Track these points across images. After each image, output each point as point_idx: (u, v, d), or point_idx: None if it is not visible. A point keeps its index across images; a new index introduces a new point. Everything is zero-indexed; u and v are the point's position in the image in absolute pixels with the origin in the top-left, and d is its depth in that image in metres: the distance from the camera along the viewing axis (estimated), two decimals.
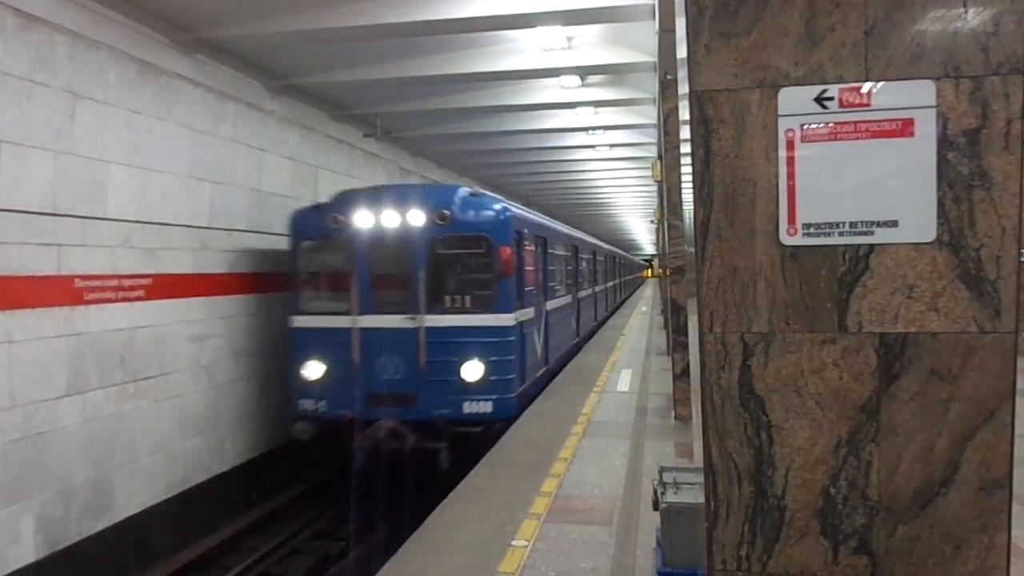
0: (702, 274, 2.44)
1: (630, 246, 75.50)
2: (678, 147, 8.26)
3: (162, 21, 8.71)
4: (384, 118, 13.70)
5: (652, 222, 42.12)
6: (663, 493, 3.71)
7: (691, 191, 2.65)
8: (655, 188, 22.21)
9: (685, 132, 2.88)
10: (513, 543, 4.67)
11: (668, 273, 8.54)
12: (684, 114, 2.86)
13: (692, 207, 2.53)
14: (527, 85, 13.06)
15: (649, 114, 14.10)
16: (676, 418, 8.29)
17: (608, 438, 7.54)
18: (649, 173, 19.72)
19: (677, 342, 8.43)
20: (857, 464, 2.33)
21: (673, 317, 8.46)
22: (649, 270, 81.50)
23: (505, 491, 5.77)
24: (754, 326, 2.39)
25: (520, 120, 15.77)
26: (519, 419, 8.60)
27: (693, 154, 2.45)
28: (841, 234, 2.34)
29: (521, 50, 10.89)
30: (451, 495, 5.75)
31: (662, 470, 3.92)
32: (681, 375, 8.28)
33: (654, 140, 15.38)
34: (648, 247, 75.49)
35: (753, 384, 2.39)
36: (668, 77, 8.34)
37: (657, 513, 4.17)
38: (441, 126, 15.74)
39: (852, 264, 2.33)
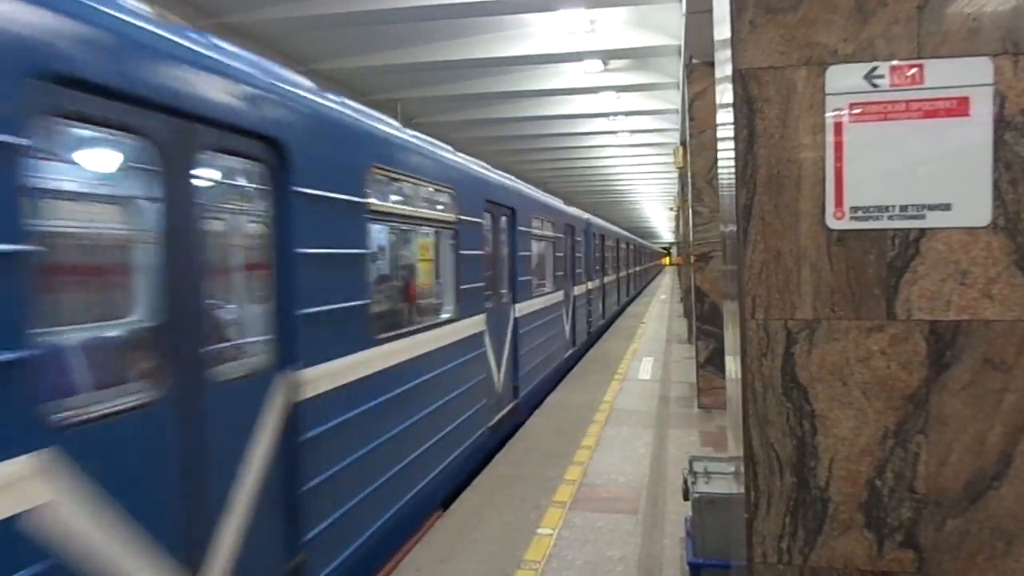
0: (744, 259, 2.37)
1: (648, 233, 75.10)
2: (704, 132, 8.13)
3: (185, 5, 8.70)
4: (405, 104, 13.66)
5: (671, 209, 41.83)
6: (694, 483, 3.65)
7: (730, 174, 2.57)
8: (675, 175, 22.02)
9: (723, 115, 2.79)
10: (539, 531, 4.64)
11: (693, 260, 8.43)
12: (723, 96, 2.77)
13: (733, 190, 2.45)
14: (549, 70, 12.95)
15: (672, 99, 13.93)
16: (699, 407, 8.21)
17: (631, 426, 7.48)
18: (670, 160, 19.55)
19: (701, 330, 8.33)
20: (904, 456, 2.26)
21: (697, 305, 8.35)
22: (667, 258, 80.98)
23: (529, 479, 5.73)
24: (798, 312, 2.32)
25: (541, 106, 15.67)
26: (541, 407, 8.56)
27: (736, 135, 2.37)
28: (890, 218, 2.26)
29: (543, 34, 10.78)
30: (475, 482, 5.72)
31: (692, 460, 3.86)
32: (705, 363, 8.19)
33: (676, 126, 15.21)
34: (667, 235, 75.05)
35: (796, 372, 2.32)
36: (694, 61, 8.20)
37: (684, 503, 4.12)
38: (461, 112, 15.68)
39: (902, 249, 2.25)
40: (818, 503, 2.31)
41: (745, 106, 2.35)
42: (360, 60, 11.27)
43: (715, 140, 9.10)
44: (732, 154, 2.44)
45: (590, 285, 14.72)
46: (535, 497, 5.27)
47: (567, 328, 11.73)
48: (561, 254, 11.15)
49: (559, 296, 10.80)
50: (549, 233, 10.22)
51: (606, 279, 18.09)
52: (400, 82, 12.85)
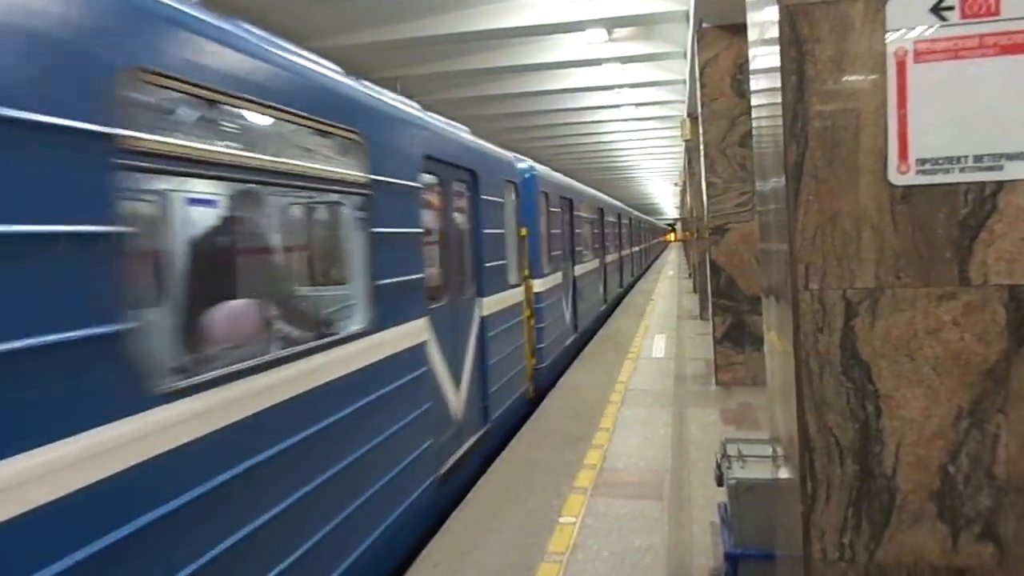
0: (795, 223, 2.11)
1: (652, 210, 74.61)
2: (716, 100, 7.82)
3: None
4: (404, 81, 13.33)
5: (676, 184, 41.29)
6: (728, 468, 3.41)
7: (774, 128, 2.30)
8: (681, 150, 21.63)
9: (764, 61, 2.52)
10: (561, 519, 4.42)
11: (708, 233, 8.15)
12: (763, 40, 2.50)
13: (779, 146, 2.18)
14: (550, 41, 12.60)
15: (678, 69, 13.57)
16: (717, 384, 7.98)
17: (649, 406, 7.25)
18: (675, 134, 19.16)
19: (717, 305, 8.07)
20: (981, 438, 2.02)
21: (713, 279, 8.09)
22: (672, 234, 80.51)
23: (547, 464, 5.52)
24: (858, 281, 2.07)
25: (543, 80, 15.33)
26: (555, 389, 8.34)
27: (783, 82, 2.10)
28: (963, 170, 2.00)
29: (544, 3, 10.43)
30: (491, 468, 5.51)
31: (726, 442, 3.62)
32: (722, 339, 7.94)
33: (682, 98, 14.85)
34: (671, 211, 74.54)
35: (857, 348, 2.07)
36: (704, 25, 7.88)
37: (713, 487, 3.89)
38: (462, 89, 15.35)
39: (976, 205, 1.99)
40: (884, 493, 2.08)
41: (793, 48, 2.08)
42: (357, 36, 10.96)
43: (728, 108, 8.73)
44: (776, 105, 2.17)
45: (542, 286, 8.54)
46: (555, 483, 5.06)
47: (460, 395, 5.42)
48: (442, 227, 5.41)
49: (415, 331, 4.44)
50: (391, 180, 4.20)
51: (579, 270, 11.63)
52: (399, 59, 12.52)
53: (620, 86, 15.59)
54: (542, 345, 8.50)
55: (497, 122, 19.29)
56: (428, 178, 5.03)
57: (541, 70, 14.38)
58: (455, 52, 12.74)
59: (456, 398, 5.33)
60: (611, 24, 10.97)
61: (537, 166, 9.23)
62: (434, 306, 4.89)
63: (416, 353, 4.45)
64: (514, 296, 7.27)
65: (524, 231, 7.98)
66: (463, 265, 5.89)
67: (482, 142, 6.85)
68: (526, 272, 8.09)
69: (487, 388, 6.09)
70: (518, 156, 8.68)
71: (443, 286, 5.28)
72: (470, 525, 4.41)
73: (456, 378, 5.35)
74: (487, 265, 6.25)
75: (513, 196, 7.61)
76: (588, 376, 8.99)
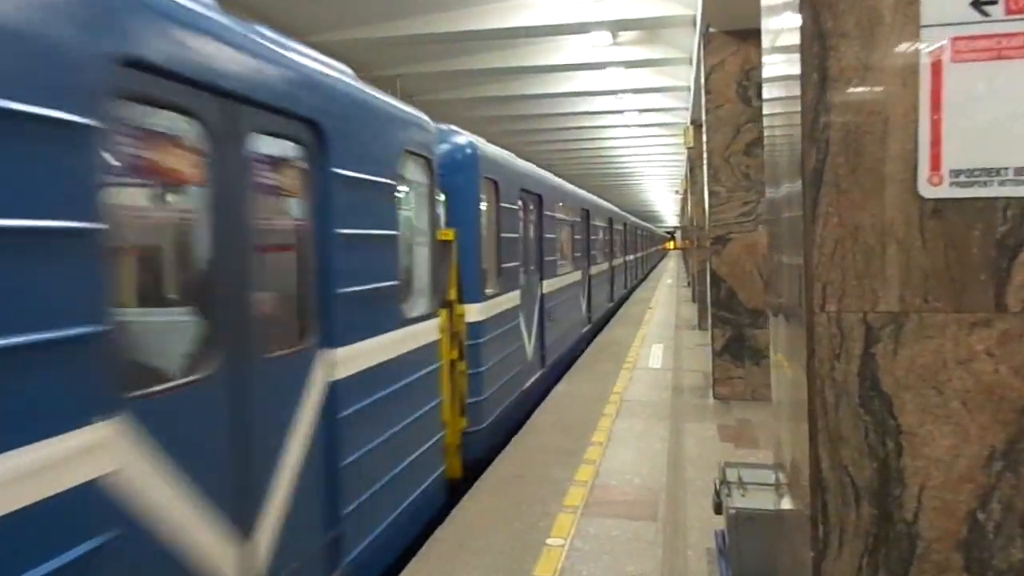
0: (812, 235, 1.90)
1: (652, 217, 74.51)
2: (722, 107, 7.62)
3: None
4: (404, 80, 13.15)
5: (677, 192, 41.10)
6: (728, 495, 3.20)
7: (790, 130, 2.10)
8: (683, 158, 21.45)
9: (781, 58, 2.32)
10: (548, 541, 4.22)
11: (709, 243, 7.94)
12: (780, 37, 2.30)
13: (796, 151, 1.98)
14: (554, 43, 12.42)
15: (682, 76, 13.39)
16: (715, 397, 7.77)
17: (645, 419, 7.04)
18: (677, 142, 18.98)
19: (717, 317, 7.86)
20: (1016, 482, 1.82)
21: (713, 290, 7.88)
22: (672, 242, 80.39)
23: (537, 480, 5.30)
24: (882, 303, 1.87)
25: (546, 83, 15.16)
26: (547, 400, 8.13)
27: (804, 80, 1.89)
28: (1003, 183, 1.80)
29: (548, 3, 10.24)
30: (478, 484, 5.29)
31: (725, 466, 3.41)
32: (722, 352, 7.73)
33: (685, 105, 14.68)
34: (671, 219, 74.43)
35: (879, 378, 1.87)
36: (711, 30, 7.68)
37: (710, 509, 3.68)
38: (462, 90, 15.17)
39: (1016, 223, 1.79)
40: (905, 540, 1.87)
41: (816, 43, 1.87)
42: (356, 32, 10.78)
43: (733, 115, 8.51)
44: (795, 112, 1.97)
45: (482, 313, 6.25)
46: (544, 502, 4.85)
47: (259, 545, 2.80)
48: (215, 223, 2.65)
49: (69, 464, 1.86)
50: None
51: (551, 285, 9.47)
52: (399, 57, 12.34)
53: (623, 91, 15.41)
54: (481, 398, 6.08)
55: (498, 124, 19.11)
56: (151, 118, 2.57)
57: (544, 72, 14.20)
58: (456, 51, 12.56)
59: (243, 555, 2.71)
60: (616, 27, 10.79)
61: (484, 143, 6.76)
62: (167, 387, 2.46)
63: (69, 513, 1.89)
64: (420, 335, 4.50)
65: (450, 234, 5.77)
66: (283, 294, 3.41)
67: (360, 84, 4.14)
68: (452, 295, 5.81)
69: (338, 510, 3.41)
70: (453, 127, 6.41)
71: (210, 341, 2.63)
72: (450, 547, 4.19)
73: (246, 520, 2.74)
74: (344, 291, 3.55)
75: (426, 179, 4.94)
76: (582, 387, 8.77)
